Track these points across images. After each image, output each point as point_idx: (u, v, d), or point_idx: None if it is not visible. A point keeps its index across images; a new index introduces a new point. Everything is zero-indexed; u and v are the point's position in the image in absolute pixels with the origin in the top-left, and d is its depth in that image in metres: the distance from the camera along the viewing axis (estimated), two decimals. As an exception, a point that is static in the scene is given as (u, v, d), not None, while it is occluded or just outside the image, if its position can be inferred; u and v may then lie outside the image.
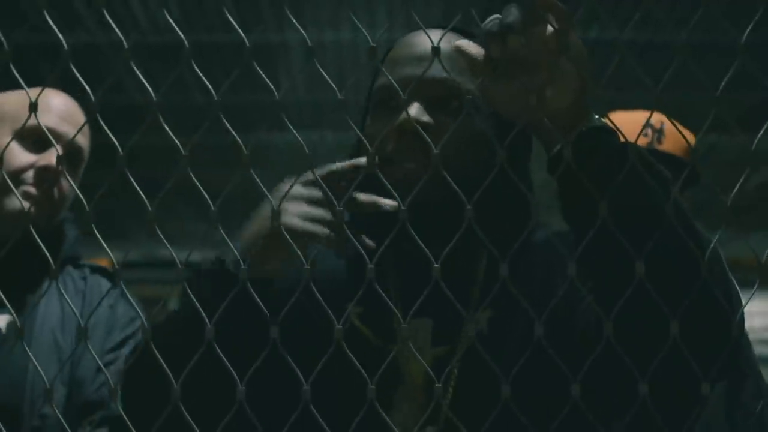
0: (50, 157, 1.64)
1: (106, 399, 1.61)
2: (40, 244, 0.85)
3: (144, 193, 0.76)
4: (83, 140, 1.72)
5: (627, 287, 0.79)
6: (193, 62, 0.73)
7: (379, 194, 1.02)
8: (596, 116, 1.00)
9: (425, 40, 1.13)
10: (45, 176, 1.64)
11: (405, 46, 1.18)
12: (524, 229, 1.13)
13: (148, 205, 0.69)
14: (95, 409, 1.62)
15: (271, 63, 4.84)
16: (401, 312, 1.09)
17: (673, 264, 0.90)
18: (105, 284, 1.74)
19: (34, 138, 1.65)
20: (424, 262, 0.80)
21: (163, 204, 0.74)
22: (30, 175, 1.64)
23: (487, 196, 0.85)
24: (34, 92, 0.90)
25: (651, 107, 0.85)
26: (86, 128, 1.75)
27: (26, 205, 1.59)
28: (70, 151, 1.67)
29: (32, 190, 1.62)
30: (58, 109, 1.70)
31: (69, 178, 1.13)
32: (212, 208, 0.71)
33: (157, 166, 4.11)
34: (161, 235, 0.68)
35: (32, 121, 0.89)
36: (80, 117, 1.74)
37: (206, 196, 0.72)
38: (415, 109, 1.09)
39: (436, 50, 0.85)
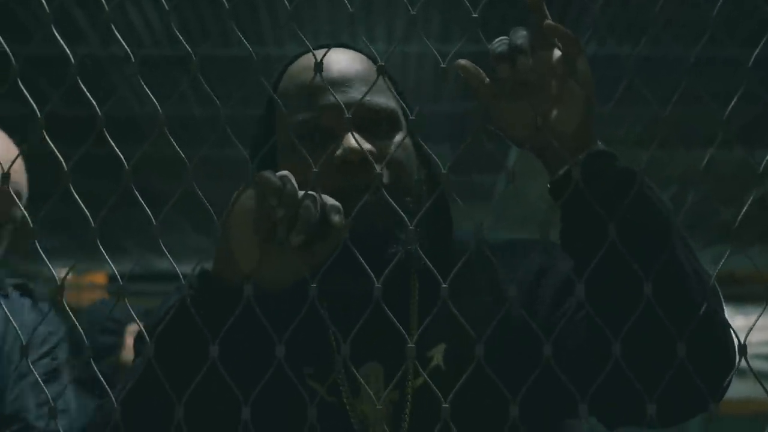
0: None
1: (22, 410, 1.62)
2: None
3: (139, 204, 0.74)
4: (19, 177, 1.67)
5: (630, 308, 0.79)
6: (200, 77, 0.73)
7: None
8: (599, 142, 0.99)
9: (331, 61, 1.07)
10: None
11: (311, 71, 0.90)
12: (444, 235, 1.11)
13: (153, 219, 0.68)
14: (12, 422, 1.63)
15: (270, 76, 4.84)
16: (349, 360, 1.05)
17: (678, 286, 0.90)
18: (26, 302, 1.74)
19: None
20: (356, 304, 0.76)
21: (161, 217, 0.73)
22: None
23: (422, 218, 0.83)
24: None
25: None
26: (21, 162, 1.70)
27: None
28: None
29: None
30: None
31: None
32: (215, 222, 0.70)
33: (152, 176, 4.10)
34: (166, 252, 0.67)
35: None
36: (13, 151, 1.70)
37: (212, 211, 0.71)
38: (351, 140, 1.00)
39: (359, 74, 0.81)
